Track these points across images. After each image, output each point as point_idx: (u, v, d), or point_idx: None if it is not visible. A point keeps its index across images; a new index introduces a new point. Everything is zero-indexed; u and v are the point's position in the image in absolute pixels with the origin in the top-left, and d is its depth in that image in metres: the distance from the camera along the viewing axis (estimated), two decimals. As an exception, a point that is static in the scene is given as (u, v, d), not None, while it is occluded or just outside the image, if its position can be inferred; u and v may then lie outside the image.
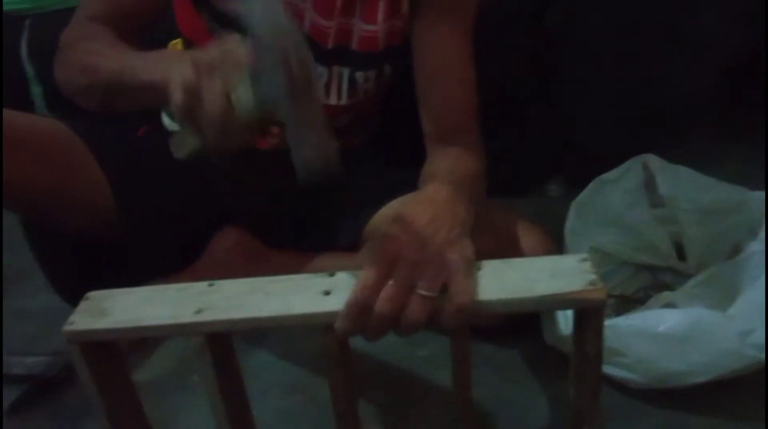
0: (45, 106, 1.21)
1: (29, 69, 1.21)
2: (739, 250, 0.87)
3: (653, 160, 0.92)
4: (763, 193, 0.86)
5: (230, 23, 0.82)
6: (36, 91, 1.22)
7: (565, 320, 0.82)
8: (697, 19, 1.00)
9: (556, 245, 0.87)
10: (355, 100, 0.93)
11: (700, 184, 0.90)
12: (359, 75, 0.90)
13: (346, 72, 0.90)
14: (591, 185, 0.95)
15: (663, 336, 0.74)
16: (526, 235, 0.85)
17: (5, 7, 1.17)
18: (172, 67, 0.59)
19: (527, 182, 1.21)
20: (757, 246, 0.82)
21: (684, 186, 0.90)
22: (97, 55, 0.77)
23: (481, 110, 0.95)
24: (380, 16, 0.86)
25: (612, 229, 0.95)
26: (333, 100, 0.92)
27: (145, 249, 0.79)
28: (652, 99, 1.08)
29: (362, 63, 0.89)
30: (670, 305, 0.81)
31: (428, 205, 0.62)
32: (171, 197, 0.82)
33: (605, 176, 0.96)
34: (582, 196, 0.94)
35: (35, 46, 1.20)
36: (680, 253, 0.94)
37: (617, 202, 0.94)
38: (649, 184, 0.94)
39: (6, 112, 0.80)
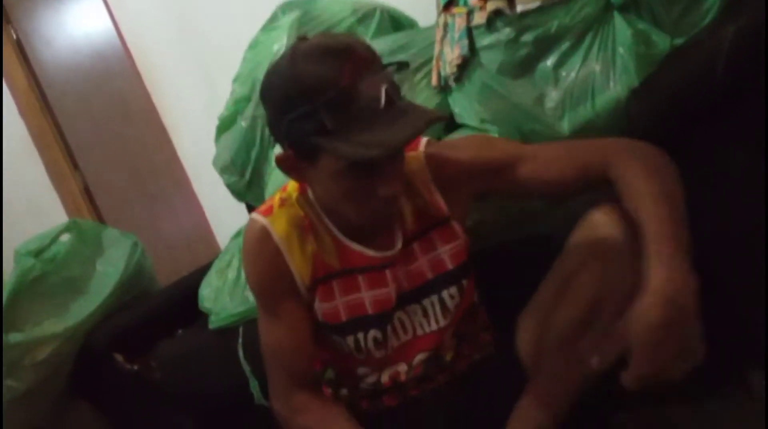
0: (262, 397, 1.41)
1: (246, 367, 1.44)
2: None
3: None
4: None
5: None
6: (254, 385, 1.44)
7: None
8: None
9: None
10: (450, 320, 1.02)
11: None
12: (445, 294, 1.01)
13: (435, 298, 1.01)
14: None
15: None
16: None
17: (225, 322, 1.46)
18: None
19: (722, 374, 1.01)
20: None
21: None
22: None
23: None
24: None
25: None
26: (434, 326, 1.01)
27: None
28: None
29: (440, 286, 1.01)
30: None
31: None
32: None
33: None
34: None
35: (249, 349, 1.44)
36: None
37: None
38: None
39: None
